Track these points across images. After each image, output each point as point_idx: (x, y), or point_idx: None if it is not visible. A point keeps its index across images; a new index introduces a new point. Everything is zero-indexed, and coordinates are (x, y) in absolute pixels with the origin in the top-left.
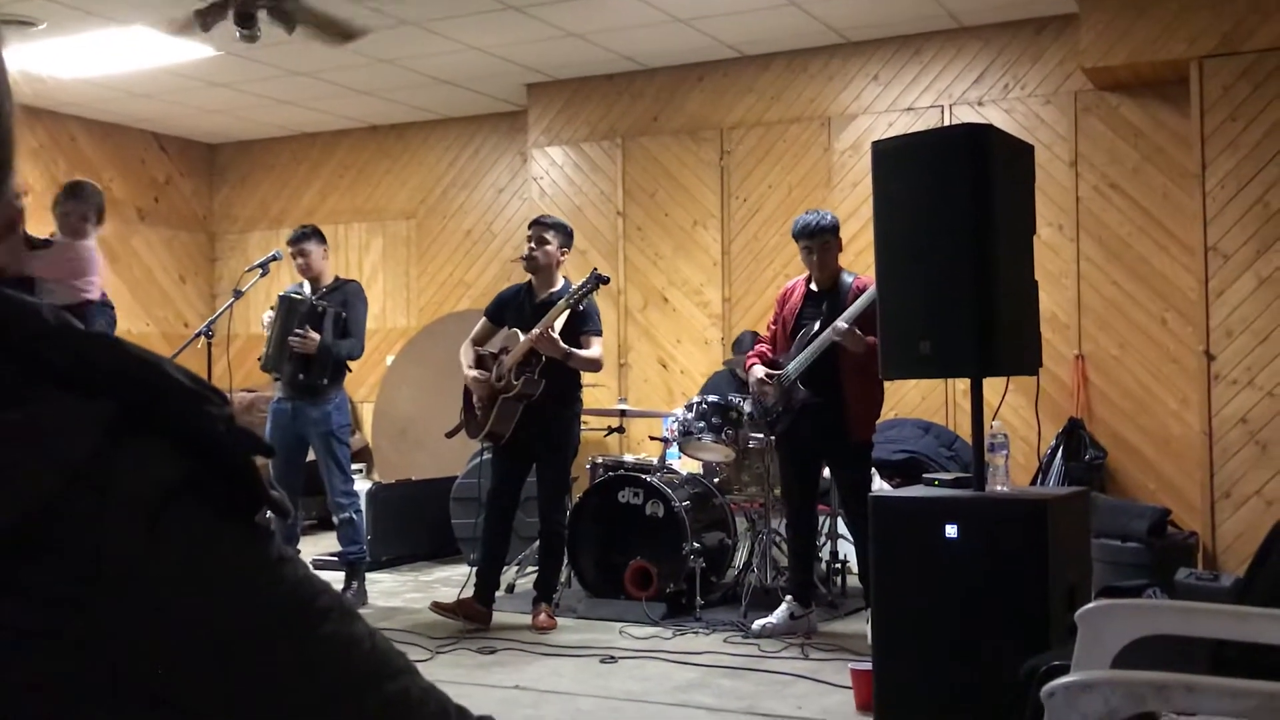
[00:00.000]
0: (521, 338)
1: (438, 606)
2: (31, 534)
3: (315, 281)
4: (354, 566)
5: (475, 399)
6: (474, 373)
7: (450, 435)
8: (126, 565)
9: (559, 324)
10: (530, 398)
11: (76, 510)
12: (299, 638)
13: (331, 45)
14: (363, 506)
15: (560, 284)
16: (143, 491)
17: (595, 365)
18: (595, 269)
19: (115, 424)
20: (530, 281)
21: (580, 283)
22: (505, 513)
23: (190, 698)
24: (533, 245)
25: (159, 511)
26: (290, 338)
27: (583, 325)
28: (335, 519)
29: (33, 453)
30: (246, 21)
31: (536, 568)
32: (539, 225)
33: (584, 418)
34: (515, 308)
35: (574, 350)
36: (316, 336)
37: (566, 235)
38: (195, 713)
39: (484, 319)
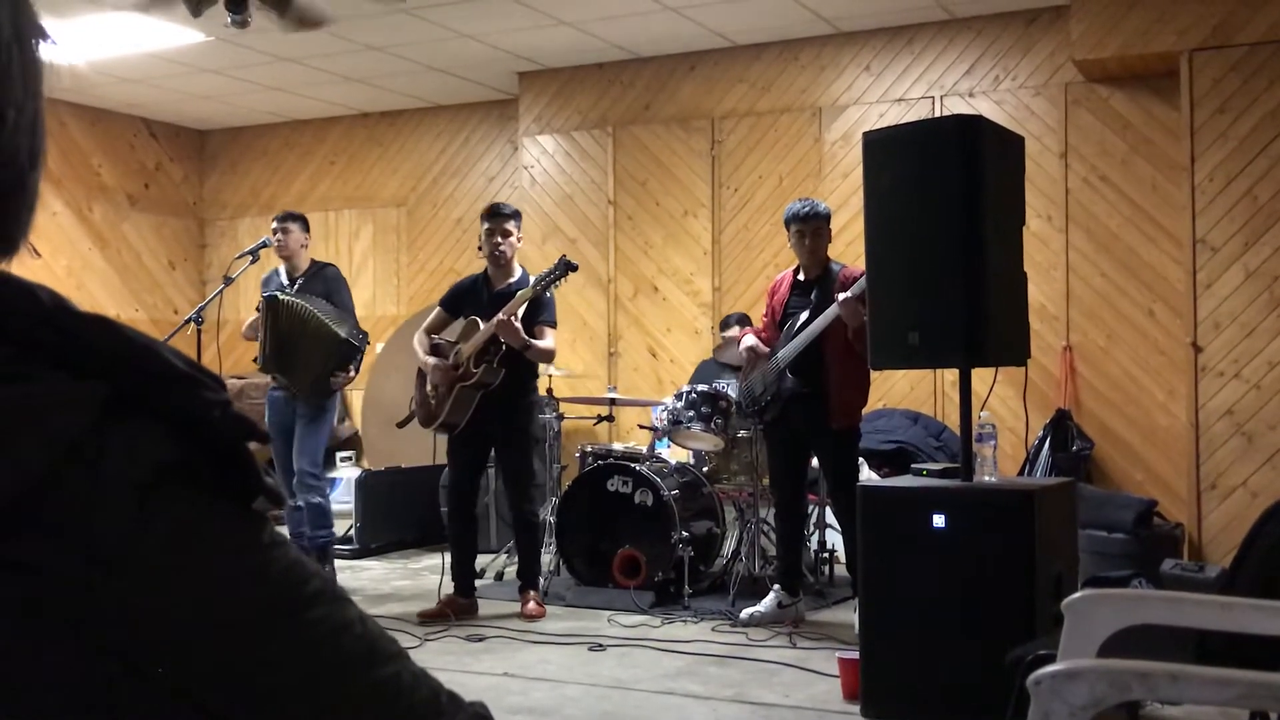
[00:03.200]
0: (481, 325)
1: (425, 616)
2: (25, 511)
3: (289, 261)
4: (323, 550)
5: (429, 387)
6: (431, 359)
7: (402, 425)
8: (117, 543)
9: (520, 312)
10: (489, 386)
11: (69, 488)
12: (289, 620)
13: (288, 31)
14: (328, 492)
15: (518, 273)
16: (134, 471)
17: (549, 356)
18: (564, 255)
19: (109, 404)
20: (486, 271)
21: (549, 269)
22: (468, 503)
23: (180, 675)
24: (498, 239)
25: (150, 491)
26: (332, 380)
27: (539, 315)
28: (301, 501)
29: (26, 430)
30: (237, 6)
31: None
32: (501, 217)
33: (573, 406)
34: (472, 298)
35: (533, 341)
36: (353, 375)
37: (521, 221)
38: (185, 690)
39: (438, 308)
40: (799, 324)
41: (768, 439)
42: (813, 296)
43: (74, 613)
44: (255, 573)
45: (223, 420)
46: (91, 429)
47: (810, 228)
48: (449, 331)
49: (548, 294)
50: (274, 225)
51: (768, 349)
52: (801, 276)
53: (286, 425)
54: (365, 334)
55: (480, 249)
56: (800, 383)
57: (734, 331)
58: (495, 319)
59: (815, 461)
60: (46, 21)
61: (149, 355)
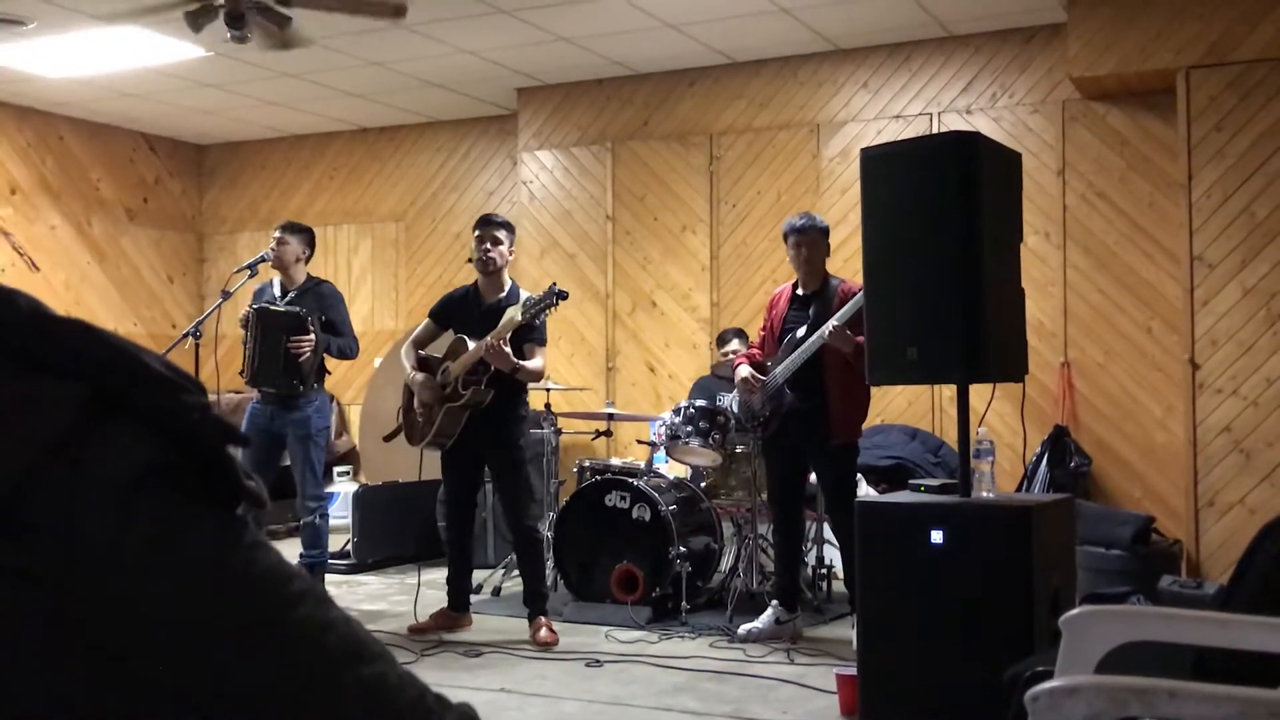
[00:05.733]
0: (470, 344)
1: (415, 630)
2: (5, 512)
3: (284, 274)
4: (312, 570)
5: (416, 403)
6: (419, 376)
7: (388, 439)
8: (98, 544)
9: (508, 335)
10: (478, 407)
11: (50, 488)
12: (272, 620)
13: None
14: (329, 511)
15: (508, 286)
16: (114, 472)
17: (539, 376)
18: (554, 284)
19: (89, 406)
20: (476, 283)
21: (538, 298)
22: (465, 520)
23: (165, 674)
24: (488, 246)
25: (131, 492)
26: (290, 347)
27: (529, 335)
28: (300, 521)
29: (5, 431)
30: (236, 22)
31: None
32: (490, 225)
33: (571, 421)
34: (462, 311)
35: (522, 363)
36: (313, 338)
37: (514, 234)
38: (172, 690)
39: (428, 320)
40: (797, 339)
41: (766, 454)
42: (810, 311)
43: (56, 613)
44: (237, 573)
45: (203, 423)
46: (71, 430)
47: (806, 240)
48: (438, 343)
49: (539, 319)
50: (274, 235)
51: (762, 378)
52: (800, 290)
53: (265, 439)
54: (308, 313)
55: (470, 259)
56: (799, 398)
57: (733, 345)
58: (484, 343)
59: (813, 477)
60: (46, 38)
61: (128, 358)
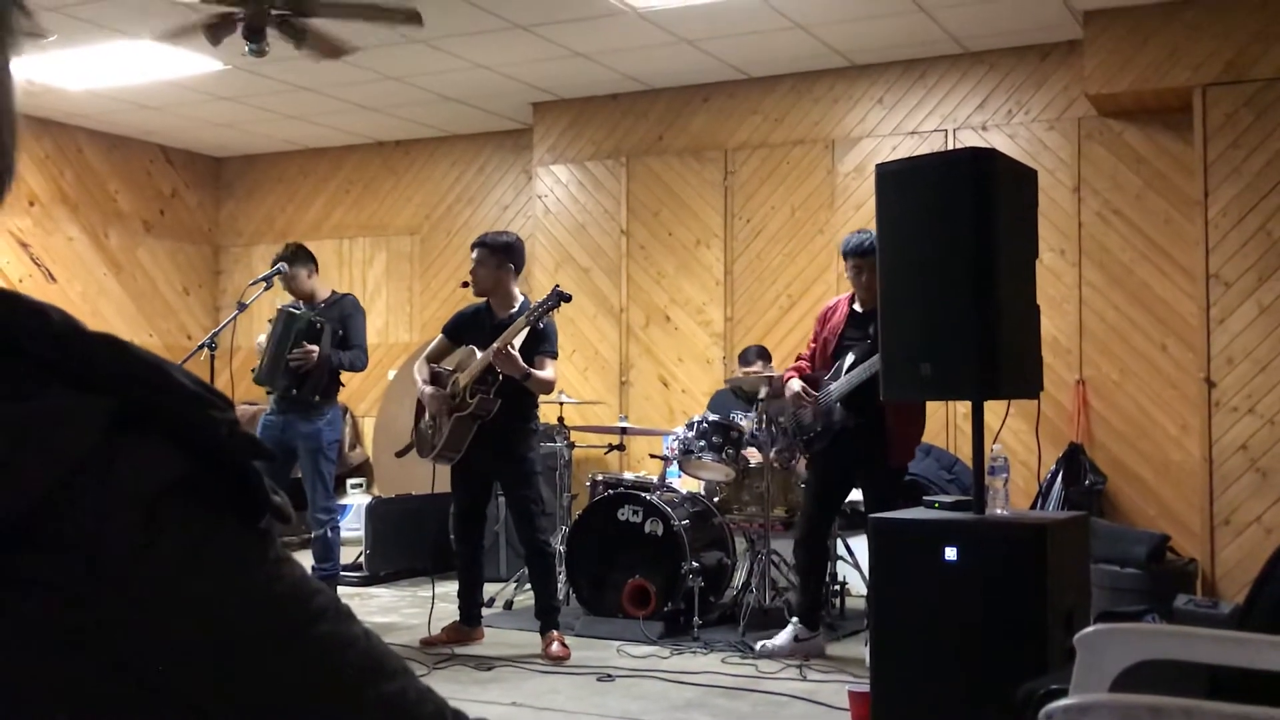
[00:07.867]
0: (479, 354)
1: (427, 643)
2: (31, 526)
3: (308, 300)
4: (325, 583)
5: (427, 416)
6: (429, 388)
7: (400, 454)
8: (124, 559)
9: (517, 342)
10: (485, 416)
11: (76, 503)
12: (295, 636)
13: (323, 60)
14: (341, 524)
15: (519, 301)
16: (141, 486)
17: (549, 387)
18: (557, 285)
19: (117, 421)
20: (488, 301)
21: (541, 300)
22: (474, 534)
23: (188, 691)
24: (471, 267)
25: (157, 507)
26: (290, 356)
27: (540, 345)
28: (311, 534)
29: (33, 445)
30: (255, 35)
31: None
32: (474, 246)
33: (584, 435)
34: (474, 326)
35: (532, 370)
36: (315, 349)
37: (509, 253)
38: (193, 707)
39: (441, 336)
40: (855, 359)
41: (812, 469)
42: (870, 330)
43: (81, 627)
44: (261, 589)
45: (230, 439)
46: (98, 445)
47: (868, 263)
48: (450, 360)
49: (542, 324)
50: (281, 268)
51: (815, 395)
52: (858, 308)
53: (274, 444)
54: (324, 322)
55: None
56: (854, 415)
57: (757, 367)
58: (491, 349)
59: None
60: (65, 50)
61: (157, 373)
